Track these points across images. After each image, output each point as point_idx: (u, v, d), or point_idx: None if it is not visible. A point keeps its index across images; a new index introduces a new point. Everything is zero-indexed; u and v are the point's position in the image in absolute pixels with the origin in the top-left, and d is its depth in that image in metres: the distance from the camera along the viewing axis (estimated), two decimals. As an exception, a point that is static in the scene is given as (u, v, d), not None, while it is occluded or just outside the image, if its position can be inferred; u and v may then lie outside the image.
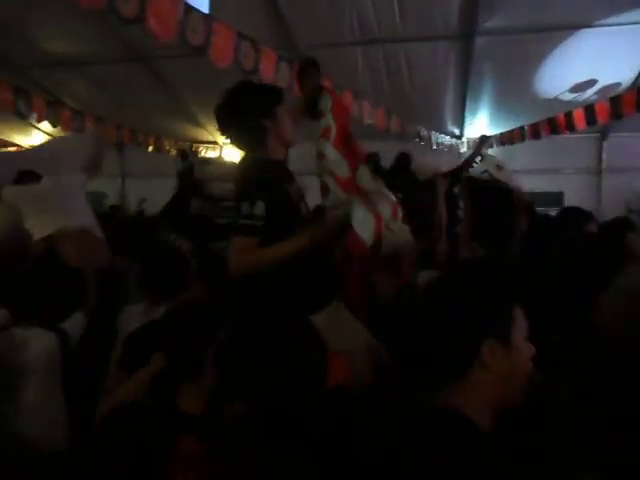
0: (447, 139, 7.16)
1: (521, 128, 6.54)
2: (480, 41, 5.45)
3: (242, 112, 1.91)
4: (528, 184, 6.59)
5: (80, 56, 6.01)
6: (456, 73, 6.03)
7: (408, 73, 5.99)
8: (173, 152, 7.24)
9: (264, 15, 5.08)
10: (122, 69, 6.13)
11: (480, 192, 3.60)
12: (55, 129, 6.64)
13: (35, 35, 5.58)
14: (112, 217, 5.59)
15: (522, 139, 6.54)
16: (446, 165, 4.62)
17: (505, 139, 6.82)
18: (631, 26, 5.05)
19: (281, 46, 4.95)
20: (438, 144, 7.00)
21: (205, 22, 3.27)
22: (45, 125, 7.63)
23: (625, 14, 4.93)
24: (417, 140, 6.60)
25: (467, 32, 5.37)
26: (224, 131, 1.96)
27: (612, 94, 5.48)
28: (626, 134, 6.90)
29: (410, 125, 6.45)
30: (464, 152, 7.10)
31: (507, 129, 6.80)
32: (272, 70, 3.73)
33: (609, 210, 6.14)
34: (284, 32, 5.26)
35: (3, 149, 8.67)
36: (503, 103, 6.60)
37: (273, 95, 1.96)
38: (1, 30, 5.33)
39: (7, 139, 8.68)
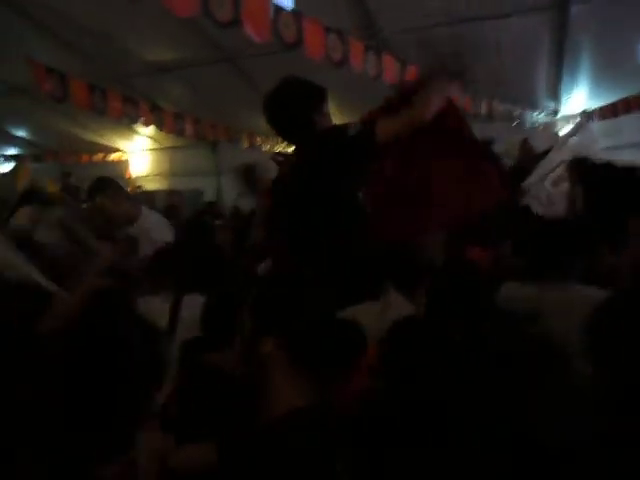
0: (542, 117, 6.91)
1: (625, 99, 6.17)
2: (576, 10, 5.22)
3: (296, 108, 2.07)
4: (636, 159, 6.24)
5: (174, 62, 6.47)
6: (550, 46, 5.81)
7: (498, 51, 5.85)
8: (266, 147, 7.59)
9: (345, 3, 5.18)
10: (213, 70, 6.51)
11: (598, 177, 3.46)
12: (156, 132, 7.19)
13: (134, 45, 6.09)
14: (209, 213, 6.02)
15: (627, 111, 6.18)
16: (542, 145, 4.50)
17: (607, 112, 6.47)
18: None
19: (365, 35, 5.05)
20: (532, 123, 6.77)
21: (295, 19, 3.45)
22: (144, 129, 8.31)
23: None
24: (510, 120, 6.44)
25: (561, 2, 5.17)
26: (274, 124, 2.13)
27: None
28: None
29: (501, 105, 6.30)
30: (561, 130, 6.82)
31: (609, 101, 6.44)
32: (360, 61, 3.84)
33: None
34: (367, 20, 5.34)
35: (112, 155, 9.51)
36: (603, 74, 6.25)
37: (321, 92, 2.12)
38: (104, 41, 5.85)
39: (112, 145, 9.51)
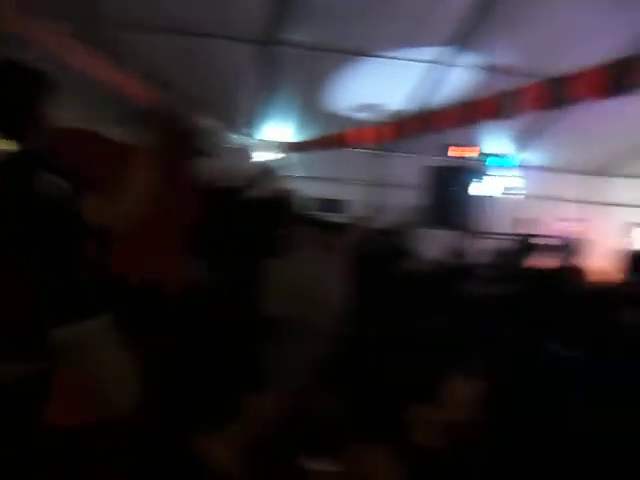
0: (244, 140, 7.61)
1: (317, 138, 7.27)
2: (283, 50, 6.07)
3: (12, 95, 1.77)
4: (318, 191, 7.43)
5: None
6: (258, 77, 6.53)
7: (211, 70, 6.28)
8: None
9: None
10: None
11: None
12: None
13: None
14: None
15: (317, 149, 7.28)
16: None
17: (300, 147, 7.52)
18: (406, 61, 6.21)
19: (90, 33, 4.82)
20: (232, 145, 7.36)
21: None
22: None
23: (402, 51, 6.07)
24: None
25: (271, 39, 5.93)
26: None
27: (393, 117, 6.48)
28: (402, 154, 8.16)
29: (207, 121, 6.73)
30: (259, 155, 7.67)
31: (306, 138, 7.51)
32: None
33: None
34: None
35: None
36: (303, 113, 7.30)
37: (38, 82, 1.83)
38: None
39: None
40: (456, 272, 3.41)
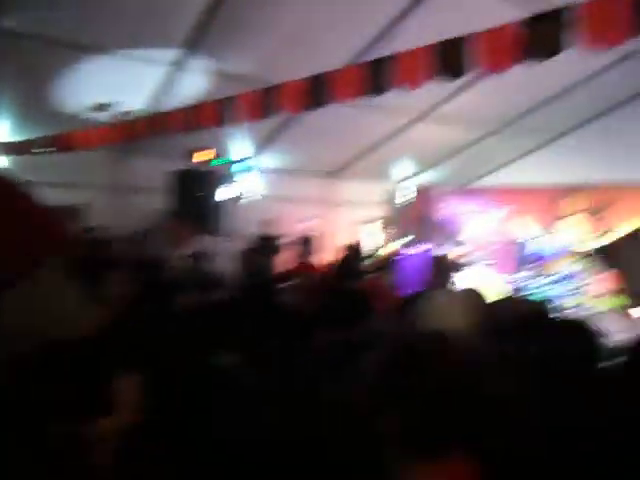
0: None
1: (41, 138, 6.62)
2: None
3: None
4: (52, 197, 6.78)
5: None
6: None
7: None
8: None
9: None
10: None
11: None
12: None
13: None
14: None
15: (43, 150, 6.63)
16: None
17: (22, 148, 6.77)
18: (141, 62, 6.04)
19: None
20: None
21: None
22: None
23: (137, 50, 5.88)
24: None
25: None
26: None
27: (126, 118, 6.26)
28: (145, 157, 7.91)
29: None
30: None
31: (28, 138, 6.77)
32: None
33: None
34: None
35: None
36: (24, 111, 6.60)
37: None
38: None
39: None
40: (183, 280, 3.44)
